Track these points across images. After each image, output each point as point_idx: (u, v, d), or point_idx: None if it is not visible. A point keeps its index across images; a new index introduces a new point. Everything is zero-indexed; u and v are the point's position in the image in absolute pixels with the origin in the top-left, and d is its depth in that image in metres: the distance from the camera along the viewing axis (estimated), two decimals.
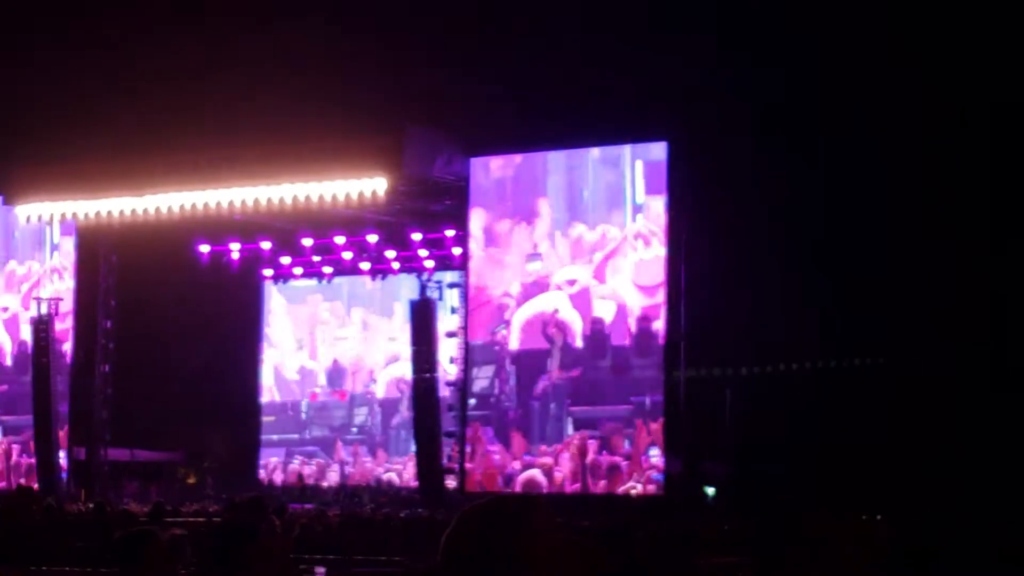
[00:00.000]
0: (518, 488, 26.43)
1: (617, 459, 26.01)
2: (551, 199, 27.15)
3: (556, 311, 26.75)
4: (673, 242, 25.76)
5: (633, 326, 26.07)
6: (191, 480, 31.93)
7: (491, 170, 27.58)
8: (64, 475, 30.36)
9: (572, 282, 26.66)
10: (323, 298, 34.22)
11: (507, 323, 27.27)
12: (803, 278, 25.03)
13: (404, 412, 31.97)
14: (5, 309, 31.70)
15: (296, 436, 34.32)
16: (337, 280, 33.26)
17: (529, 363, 27.23)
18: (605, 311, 26.33)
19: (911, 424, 23.92)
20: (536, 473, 26.65)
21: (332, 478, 32.86)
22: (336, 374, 34.29)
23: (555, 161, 27.28)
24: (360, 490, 30.77)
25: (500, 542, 4.02)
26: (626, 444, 26.07)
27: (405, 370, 31.55)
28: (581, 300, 26.60)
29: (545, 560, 4.02)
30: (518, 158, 27.47)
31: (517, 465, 26.98)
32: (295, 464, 33.64)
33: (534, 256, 27.11)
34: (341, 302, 34.12)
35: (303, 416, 34.54)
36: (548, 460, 26.62)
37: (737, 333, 25.66)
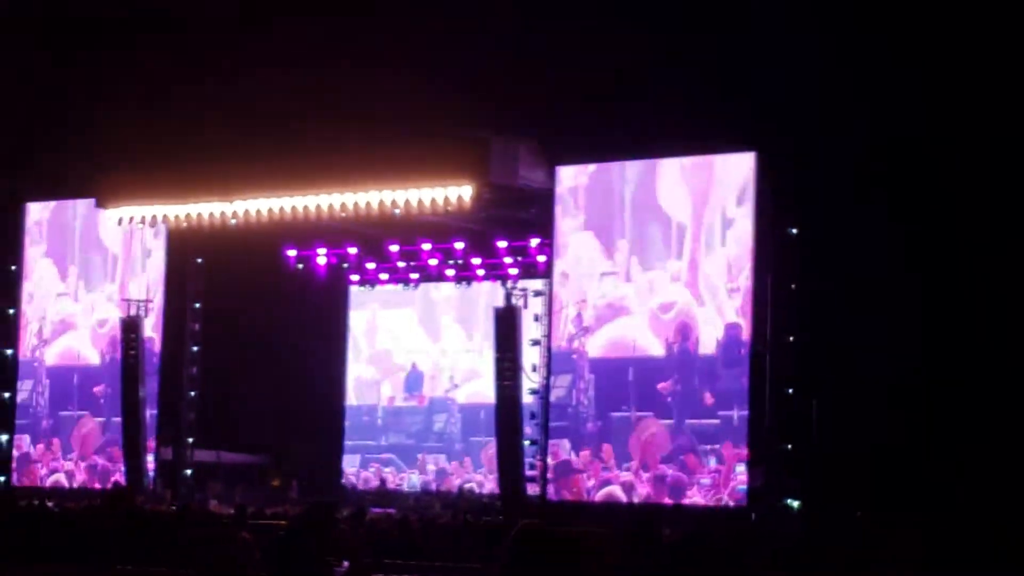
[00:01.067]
0: (597, 500, 26.31)
1: (702, 475, 25.69)
2: (628, 210, 26.99)
3: (637, 327, 26.57)
4: (760, 253, 25.53)
5: (721, 336, 25.80)
6: (276, 483, 32.13)
7: (563, 179, 27.47)
8: (151, 476, 30.71)
9: (654, 300, 26.49)
10: (403, 303, 34.21)
11: (587, 330, 27.10)
12: (895, 289, 24.68)
13: (484, 419, 31.88)
14: (103, 323, 32.16)
15: (372, 442, 34.21)
16: (416, 286, 33.24)
17: (609, 373, 26.90)
18: (691, 322, 26.09)
19: (1003, 433, 23.54)
20: (616, 489, 26.39)
21: (410, 484, 32.86)
22: (414, 379, 34.21)
23: (633, 170, 27.16)
24: (433, 497, 30.69)
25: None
26: (712, 461, 25.72)
27: (486, 377, 31.57)
28: (663, 315, 26.36)
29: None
30: (592, 166, 27.35)
31: (593, 481, 26.74)
32: (369, 471, 33.56)
33: (609, 273, 26.97)
34: (422, 308, 34.09)
35: (379, 422, 34.43)
36: (628, 476, 26.37)
37: (825, 344, 25.34)
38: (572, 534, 4.68)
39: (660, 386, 26.23)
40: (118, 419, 30.99)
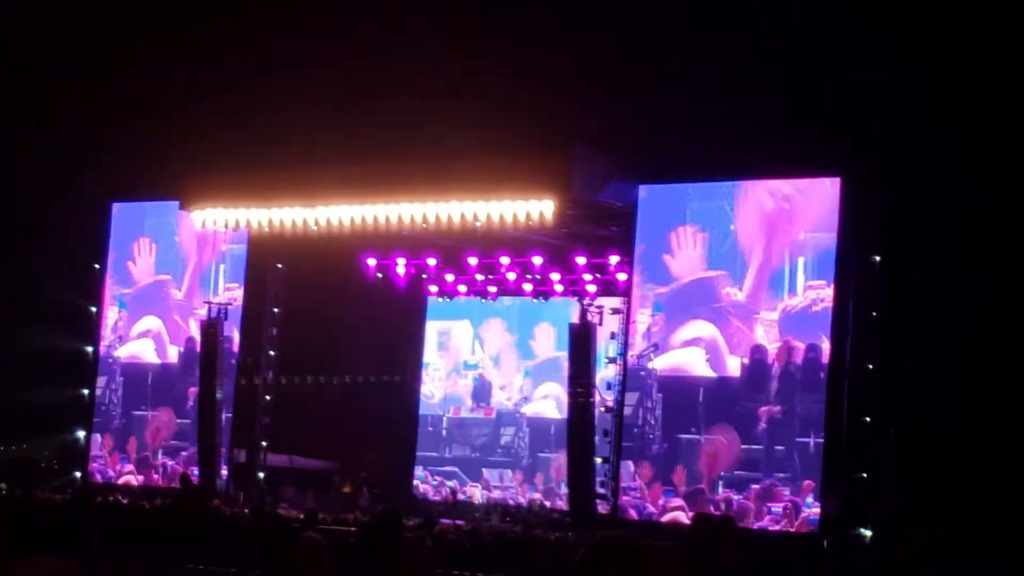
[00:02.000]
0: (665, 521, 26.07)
1: (773, 505, 25.29)
2: (692, 231, 26.82)
3: (708, 347, 26.42)
4: (841, 279, 25.30)
5: (799, 358, 25.50)
6: (346, 490, 32.23)
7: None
8: (224, 478, 30.92)
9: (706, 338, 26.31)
10: (475, 314, 33.96)
11: (656, 347, 26.96)
12: (977, 316, 24.37)
13: (554, 434, 31.68)
14: (179, 325, 32.42)
15: (435, 454, 33.71)
16: (494, 300, 33.07)
17: (678, 392, 26.65)
18: (767, 344, 25.85)
19: None
20: (680, 516, 26.03)
21: (476, 497, 32.59)
22: (482, 390, 33.84)
23: (697, 189, 26.95)
24: (497, 510, 30.44)
25: None
26: (786, 492, 25.30)
27: (557, 392, 31.45)
28: (733, 337, 26.16)
29: None
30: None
31: (653, 508, 26.37)
32: (431, 485, 33.19)
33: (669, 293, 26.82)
34: (495, 320, 33.89)
35: (444, 433, 33.93)
36: (689, 501, 25.97)
37: (905, 372, 25.05)
38: (641, 546, 4.71)
39: (732, 408, 25.94)
40: (186, 420, 31.35)
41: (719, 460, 25.90)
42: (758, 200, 26.20)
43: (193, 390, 31.49)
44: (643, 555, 4.76)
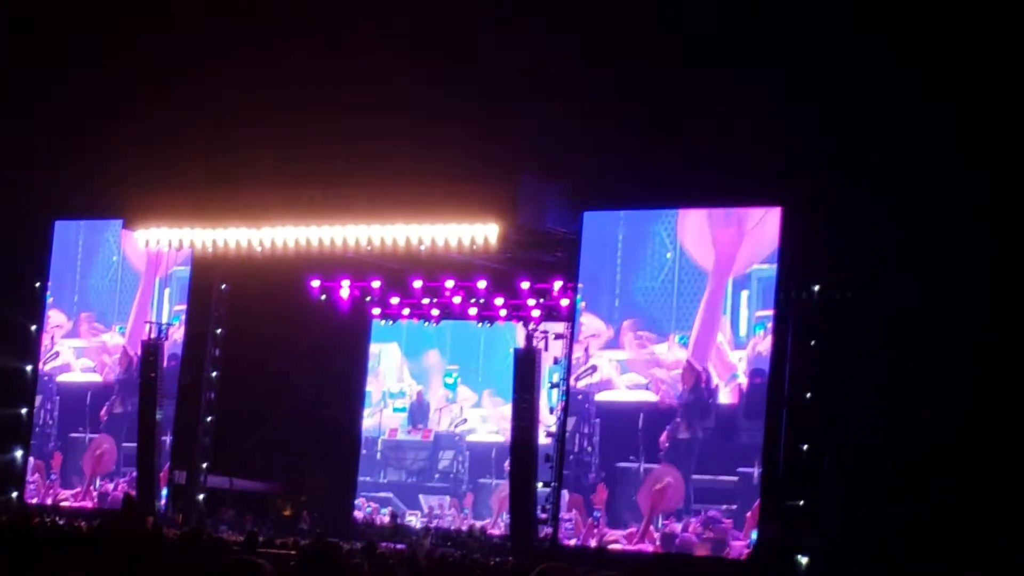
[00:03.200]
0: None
1: (715, 535, 25.20)
2: (626, 261, 26.89)
3: (647, 373, 26.43)
4: (781, 308, 25.44)
5: (744, 384, 25.51)
6: (287, 513, 32.11)
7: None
8: (163, 499, 30.68)
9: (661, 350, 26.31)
10: (408, 337, 33.72)
11: (593, 368, 26.89)
12: (916, 348, 24.58)
13: (495, 459, 31.53)
14: (115, 345, 32.20)
15: (369, 479, 32.98)
16: (437, 323, 32.89)
17: (618, 418, 26.44)
18: (709, 368, 25.86)
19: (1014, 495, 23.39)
20: (618, 545, 25.82)
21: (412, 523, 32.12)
22: (419, 410, 33.31)
23: (632, 219, 26.91)
24: (428, 535, 30.20)
25: None
26: (730, 523, 25.14)
27: (498, 416, 31.37)
28: (676, 367, 26.13)
29: None
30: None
31: (593, 542, 26.11)
32: (366, 511, 32.74)
33: (611, 344, 26.78)
34: (434, 344, 33.59)
35: (378, 456, 33.32)
36: (630, 534, 25.78)
37: (842, 400, 25.22)
38: None
39: (680, 436, 25.83)
40: (131, 443, 31.02)
41: (664, 499, 25.71)
42: (704, 227, 26.24)
43: (132, 410, 31.13)
44: None
